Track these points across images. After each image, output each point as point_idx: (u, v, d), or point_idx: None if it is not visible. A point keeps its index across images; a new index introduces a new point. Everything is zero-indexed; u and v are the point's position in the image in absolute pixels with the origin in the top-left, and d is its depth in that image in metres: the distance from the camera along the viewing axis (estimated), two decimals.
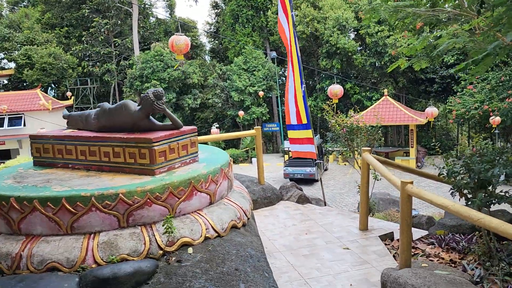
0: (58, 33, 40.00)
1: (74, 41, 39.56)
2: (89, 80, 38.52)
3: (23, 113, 32.45)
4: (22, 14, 40.88)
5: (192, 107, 36.60)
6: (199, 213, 4.17)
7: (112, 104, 4.88)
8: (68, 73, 37.67)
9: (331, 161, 30.90)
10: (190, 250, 3.84)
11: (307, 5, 33.69)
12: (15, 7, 45.54)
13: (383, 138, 36.75)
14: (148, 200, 3.83)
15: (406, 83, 33.56)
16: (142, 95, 4.47)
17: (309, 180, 25.48)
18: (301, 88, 10.01)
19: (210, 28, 46.19)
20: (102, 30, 38.23)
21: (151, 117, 4.57)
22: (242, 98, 34.26)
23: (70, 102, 36.20)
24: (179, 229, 3.88)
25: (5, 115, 32.11)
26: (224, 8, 42.56)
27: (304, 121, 10.14)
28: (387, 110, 27.52)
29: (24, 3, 46.07)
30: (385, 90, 29.16)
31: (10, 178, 4.39)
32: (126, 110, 4.54)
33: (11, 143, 32.44)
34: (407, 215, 5.32)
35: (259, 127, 9.13)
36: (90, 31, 38.39)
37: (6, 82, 42.98)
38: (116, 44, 39.34)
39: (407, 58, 9.41)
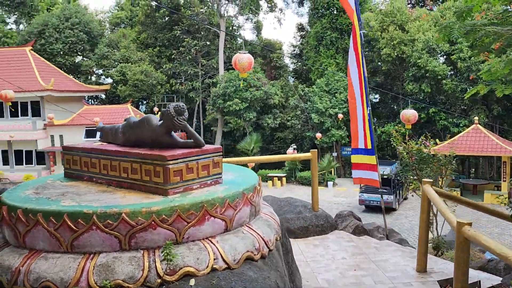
0: (151, 52, 42.50)
1: (165, 60, 41.73)
2: (175, 96, 40.28)
3: None
4: (120, 34, 44.08)
5: (271, 126, 36.72)
6: (210, 241, 3.85)
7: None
8: (157, 90, 39.75)
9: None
10: (192, 281, 3.52)
11: (395, 28, 32.49)
12: (116, 28, 49.31)
13: (472, 170, 33.93)
14: (153, 222, 3.59)
15: (501, 111, 30.79)
16: (163, 110, 4.31)
17: (386, 209, 24.12)
18: (367, 111, 9.41)
19: (294, 50, 46.39)
20: (191, 50, 39.95)
21: (173, 133, 4.40)
22: (322, 120, 33.69)
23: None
24: (184, 256, 3.59)
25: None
26: (309, 30, 42.54)
27: (369, 146, 9.49)
28: (476, 139, 25.35)
29: (124, 24, 49.73)
30: (476, 118, 26.96)
31: (33, 188, 4.42)
32: (148, 125, 4.42)
33: None
34: (463, 262, 4.60)
35: (315, 150, 8.67)
36: (180, 50, 40.29)
37: (104, 96, 46.51)
38: (203, 64, 40.84)
39: (487, 84, 8.46)
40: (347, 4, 9.48)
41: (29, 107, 35.73)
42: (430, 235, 8.97)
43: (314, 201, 8.65)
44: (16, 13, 50.30)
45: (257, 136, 36.15)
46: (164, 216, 3.65)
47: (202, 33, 41.93)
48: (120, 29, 47.50)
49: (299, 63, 44.43)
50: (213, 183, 4.41)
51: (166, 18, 43.25)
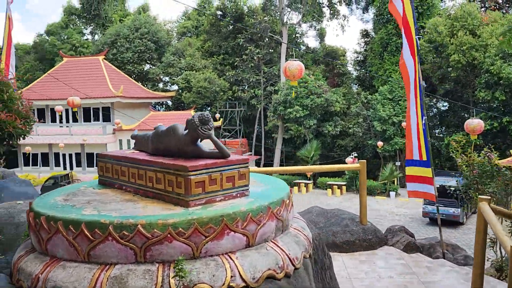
0: (214, 60, 43.43)
1: (228, 68, 42.43)
2: (237, 103, 40.79)
3: None
4: (186, 43, 45.48)
5: (332, 134, 36.10)
6: (229, 256, 3.70)
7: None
8: (219, 96, 40.48)
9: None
10: None
11: (465, 33, 30.75)
12: (182, 37, 50.96)
13: None
14: (169, 235, 3.51)
15: None
16: (187, 119, 4.23)
17: (453, 222, 22.75)
18: (422, 120, 8.86)
19: (358, 57, 45.40)
20: (254, 58, 40.32)
21: (199, 143, 4.32)
22: (385, 128, 32.61)
23: (218, 123, 38.70)
24: (199, 272, 3.47)
25: None
26: (373, 36, 41.45)
27: (424, 157, 8.93)
28: None
29: (190, 34, 51.28)
30: None
31: (64, 195, 4.52)
32: (174, 133, 4.38)
33: None
34: None
35: (364, 161, 8.27)
36: (243, 58, 40.80)
37: (170, 103, 48.16)
38: (265, 71, 41.05)
39: None
40: (396, 11, 9.05)
41: (100, 112, 37.73)
42: (493, 256, 8.24)
43: (362, 214, 8.25)
44: (92, 24, 53.58)
45: (317, 143, 35.68)
46: (181, 229, 3.55)
47: (265, 41, 42.25)
48: (186, 38, 49.04)
49: (363, 70, 43.42)
50: (238, 195, 4.26)
51: (230, 27, 44.04)
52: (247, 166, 4.36)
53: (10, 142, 5.21)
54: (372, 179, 33.31)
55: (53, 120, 38.56)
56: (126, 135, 36.62)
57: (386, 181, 31.66)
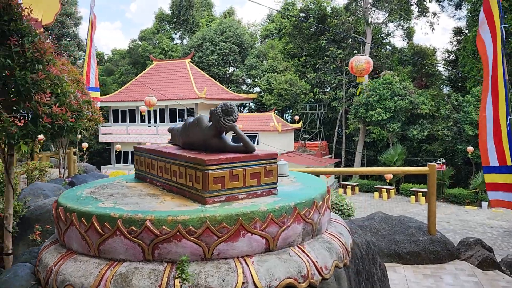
0: (296, 62, 43.18)
1: (310, 69, 41.94)
2: (317, 106, 40.13)
3: (257, 132, 35.90)
4: (269, 46, 45.72)
5: (418, 138, 34.09)
6: (244, 260, 3.40)
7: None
8: (300, 98, 40.12)
9: None
10: None
11: None
12: (265, 40, 51.35)
13: None
14: (178, 233, 3.30)
15: None
16: (211, 110, 4.00)
17: None
18: (506, 120, 7.84)
19: (449, 56, 42.47)
20: (336, 59, 39.44)
21: (224, 135, 4.12)
22: (477, 132, 30.02)
23: (298, 125, 38.37)
24: (208, 276, 3.21)
25: (243, 132, 36.13)
26: (467, 34, 38.53)
27: (509, 162, 7.89)
28: None
29: (272, 36, 51.52)
30: None
31: (94, 187, 4.51)
32: (199, 126, 4.20)
33: None
34: None
35: (434, 164, 7.48)
36: (325, 60, 40.08)
37: (252, 105, 48.75)
38: (347, 73, 39.97)
39: None
40: None
41: (185, 114, 39.16)
42: None
43: (430, 223, 7.48)
44: (181, 29, 55.94)
45: (401, 148, 33.93)
46: (191, 227, 3.34)
47: (349, 41, 41.16)
48: (268, 40, 49.33)
49: (454, 70, 40.56)
50: (264, 193, 3.97)
51: (313, 28, 43.52)
52: (275, 162, 4.08)
53: (64, 136, 5.33)
54: (462, 188, 30.94)
55: (143, 120, 40.75)
56: None
57: (477, 189, 29.19)
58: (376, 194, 32.04)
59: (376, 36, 40.49)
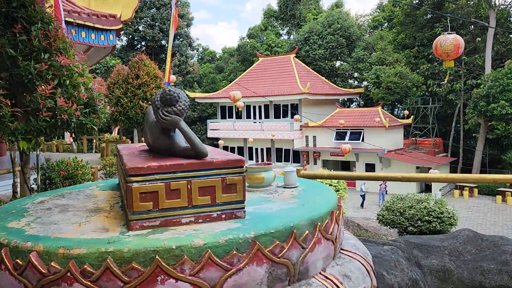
0: (407, 53, 40.43)
1: (423, 60, 38.96)
2: (431, 99, 37.09)
3: (362, 129, 34.34)
4: (378, 37, 43.48)
5: None
6: None
7: None
8: (411, 92, 37.49)
9: None
10: None
11: None
12: (373, 31, 48.97)
13: None
14: (69, 273, 2.51)
15: None
16: (152, 98, 3.19)
17: None
18: None
19: None
20: None
21: (173, 133, 3.14)
22: None
23: (408, 121, 35.89)
24: None
25: (348, 129, 34.85)
26: None
27: None
28: None
29: (382, 27, 48.93)
30: None
31: (54, 196, 4.04)
32: (146, 120, 3.46)
33: (350, 156, 34.87)
34: None
35: None
36: None
37: (359, 99, 46.93)
38: (466, 62, 36.32)
39: None
40: None
41: (289, 109, 38.97)
42: None
43: None
44: (288, 25, 55.85)
45: None
46: (87, 266, 2.47)
47: (471, 28, 37.36)
48: (377, 31, 46.96)
49: None
50: (223, 216, 2.96)
51: (428, 16, 40.32)
52: (241, 173, 3.00)
53: (70, 131, 4.77)
54: None
55: (248, 116, 41.48)
56: (312, 131, 36.99)
57: None
58: (499, 197, 28.65)
59: (501, 21, 36.13)
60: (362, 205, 27.84)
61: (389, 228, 11.14)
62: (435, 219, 9.56)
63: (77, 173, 7.25)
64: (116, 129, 21.66)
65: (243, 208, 3.03)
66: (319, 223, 3.04)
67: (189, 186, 2.86)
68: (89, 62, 12.18)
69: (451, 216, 9.83)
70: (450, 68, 31.99)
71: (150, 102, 9.53)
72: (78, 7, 7.65)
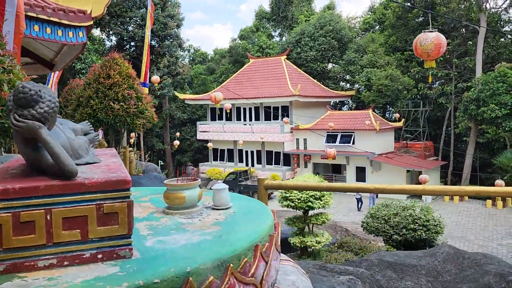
0: (399, 56, 40.25)
1: (414, 64, 38.76)
2: (422, 102, 36.91)
3: (353, 131, 34.07)
4: (369, 39, 43.28)
5: None
6: None
7: None
8: (402, 95, 37.30)
9: None
10: None
11: None
12: (365, 33, 48.80)
13: None
14: None
15: None
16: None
17: None
18: None
19: None
20: (445, 52, 35.92)
21: (40, 144, 2.25)
22: None
23: (399, 124, 35.68)
24: None
25: (339, 132, 34.58)
26: None
27: None
28: None
29: (373, 29, 48.79)
30: None
31: None
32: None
33: (341, 159, 34.59)
34: None
35: None
36: None
37: (350, 102, 46.71)
38: (457, 65, 36.22)
39: None
40: None
41: (279, 111, 38.61)
42: None
43: None
44: (280, 26, 55.57)
45: None
46: None
47: (462, 31, 37.28)
48: (369, 33, 46.79)
49: None
50: (101, 257, 2.17)
51: (420, 19, 40.21)
52: (126, 197, 2.21)
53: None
54: None
55: (238, 118, 41.07)
56: (303, 134, 36.68)
57: None
58: (489, 202, 28.51)
59: (492, 24, 36.06)
60: (359, 208, 27.69)
61: (374, 236, 10.84)
62: (420, 227, 9.25)
63: None
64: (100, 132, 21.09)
65: (129, 244, 2.23)
66: (232, 264, 2.26)
67: (48, 217, 2.07)
68: (63, 61, 11.74)
69: (437, 224, 9.52)
70: (433, 69, 31.60)
71: (121, 104, 9.09)
72: (43, 1, 7.22)
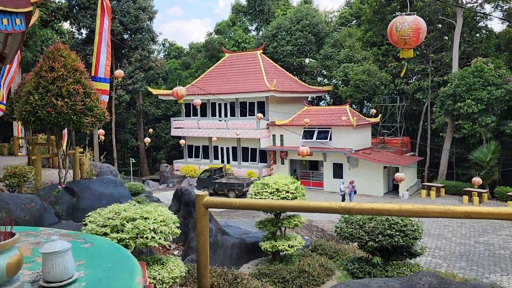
0: (376, 51, 39.84)
1: (391, 59, 38.43)
2: (399, 98, 36.58)
3: (330, 127, 33.50)
4: (346, 34, 42.74)
5: None
6: None
7: None
8: (379, 90, 36.91)
9: None
10: None
11: None
12: (341, 28, 48.30)
13: None
14: None
15: None
16: None
17: None
18: None
19: None
20: (420, 45, 35.61)
21: None
22: None
23: (376, 119, 35.28)
24: None
25: (316, 128, 33.97)
26: None
27: None
28: None
29: (350, 24, 48.32)
30: None
31: None
32: None
33: (318, 155, 34.01)
34: None
35: None
36: None
37: (327, 97, 46.19)
38: (433, 60, 35.98)
39: None
40: None
41: (255, 107, 37.79)
42: None
43: None
44: (257, 21, 54.63)
45: (495, 145, 29.65)
46: None
47: (438, 26, 37.03)
48: (345, 28, 46.29)
49: None
50: None
51: (396, 13, 39.81)
52: None
53: None
54: None
55: (213, 114, 40.08)
56: (279, 130, 35.93)
57: None
58: (466, 198, 28.33)
59: (468, 20, 35.90)
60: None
61: (349, 242, 10.17)
62: (397, 233, 8.58)
63: None
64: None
65: None
66: None
67: None
68: (9, 51, 10.63)
69: (415, 229, 8.87)
70: (409, 63, 31.10)
71: (66, 100, 8.08)
72: None
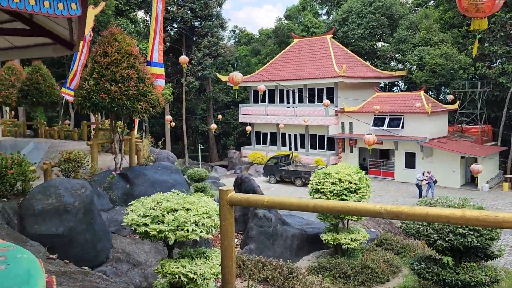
0: (455, 33, 37.18)
1: (471, 40, 35.66)
2: (479, 83, 33.94)
3: (402, 114, 31.94)
4: (422, 15, 40.31)
5: None
6: None
7: None
8: (458, 75, 34.49)
9: None
10: None
11: None
12: (417, 9, 45.59)
13: None
14: None
15: None
16: None
17: None
18: None
19: None
20: (505, 25, 32.67)
21: None
22: None
23: (453, 106, 33.09)
24: None
25: (387, 115, 32.54)
26: None
27: None
28: None
29: (428, 4, 45.44)
30: None
31: None
32: None
33: (389, 144, 32.64)
34: None
35: None
36: (491, 27, 33.52)
37: (401, 83, 44.09)
38: None
39: None
40: None
41: (324, 93, 36.92)
42: None
43: None
44: (328, 4, 53.17)
45: None
46: None
47: None
48: (422, 9, 43.62)
49: None
50: None
51: None
52: None
53: None
54: None
55: (281, 101, 39.73)
56: (348, 117, 34.88)
57: None
58: (506, 185, 25.95)
59: None
60: (420, 195, 26.01)
61: (415, 239, 9.44)
62: (471, 232, 7.77)
63: (8, 172, 6.01)
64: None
65: None
66: None
67: None
68: (76, 38, 10.94)
69: (493, 228, 8.00)
70: (480, 32, 28.33)
71: (119, 85, 8.09)
72: None
